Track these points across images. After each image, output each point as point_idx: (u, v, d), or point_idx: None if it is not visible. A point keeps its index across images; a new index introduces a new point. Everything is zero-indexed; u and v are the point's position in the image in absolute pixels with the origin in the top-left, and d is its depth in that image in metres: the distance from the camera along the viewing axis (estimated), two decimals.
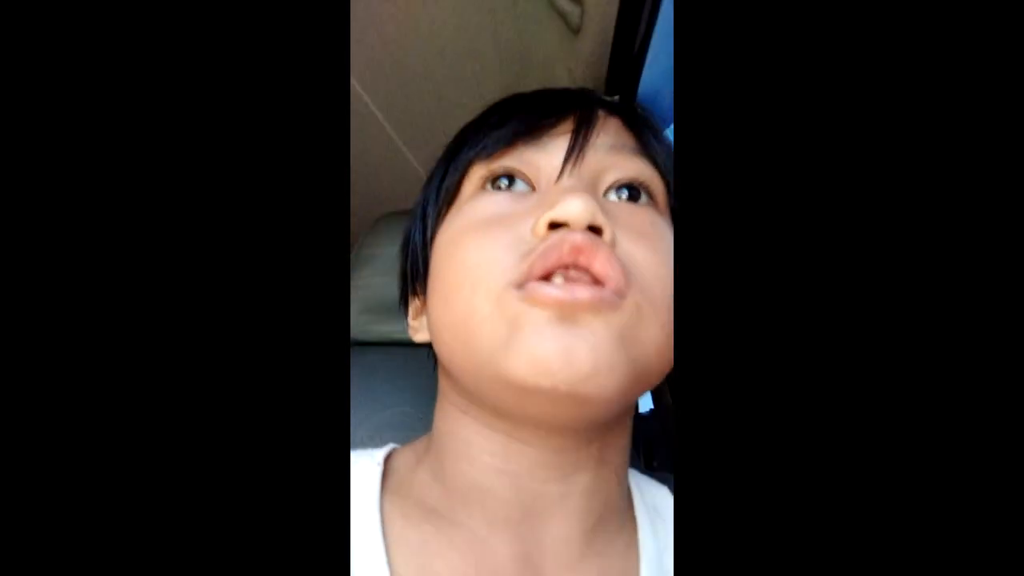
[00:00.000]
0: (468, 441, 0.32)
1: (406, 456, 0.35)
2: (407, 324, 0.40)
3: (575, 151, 0.32)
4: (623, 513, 0.35)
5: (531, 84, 0.45)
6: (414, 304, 0.39)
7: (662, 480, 0.40)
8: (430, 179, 0.38)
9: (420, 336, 0.37)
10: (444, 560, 0.30)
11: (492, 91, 0.39)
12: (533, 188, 0.33)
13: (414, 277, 0.38)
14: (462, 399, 0.32)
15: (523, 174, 0.33)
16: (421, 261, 0.36)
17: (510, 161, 0.33)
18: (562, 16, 0.48)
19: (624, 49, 0.53)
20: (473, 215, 0.32)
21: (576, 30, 0.49)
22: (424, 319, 0.37)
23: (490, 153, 0.33)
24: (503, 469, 0.31)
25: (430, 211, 0.36)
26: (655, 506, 0.37)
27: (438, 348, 0.33)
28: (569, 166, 0.32)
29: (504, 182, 0.33)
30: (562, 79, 0.56)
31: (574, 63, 0.52)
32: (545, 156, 0.33)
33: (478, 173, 0.34)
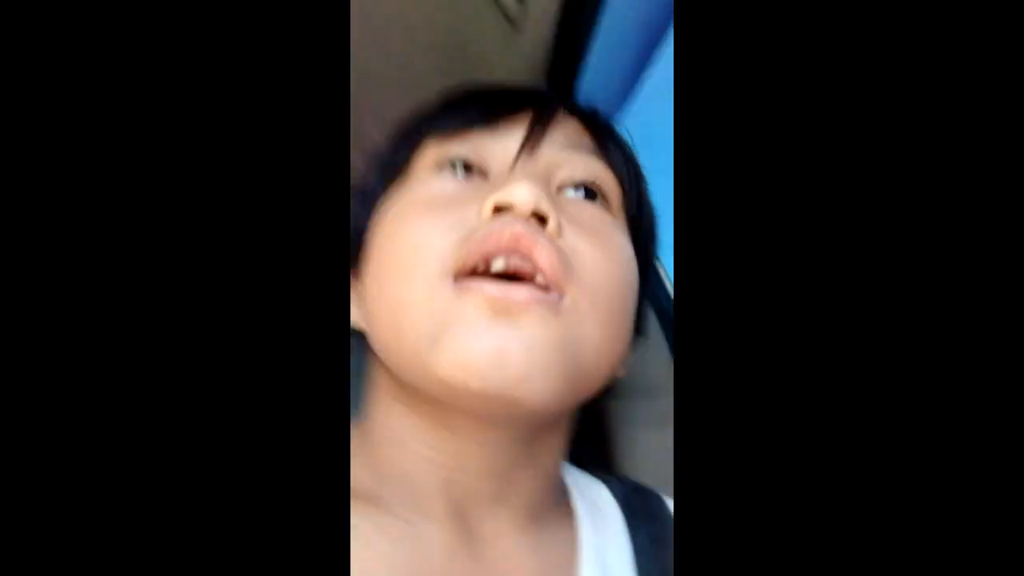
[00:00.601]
0: (401, 430, 0.31)
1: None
2: None
3: (529, 141, 0.32)
4: (559, 508, 0.35)
5: (468, 73, 0.44)
6: (355, 283, 0.36)
7: (597, 477, 0.40)
8: (377, 154, 0.36)
9: (356, 321, 0.34)
10: (373, 548, 0.28)
11: (425, 74, 0.38)
12: (485, 177, 0.32)
13: (356, 249, 0.35)
14: (395, 387, 0.31)
15: (476, 162, 0.32)
16: (356, 237, 0.34)
17: (464, 147, 0.32)
18: (501, 9, 0.46)
19: (565, 46, 0.51)
20: (420, 193, 0.31)
21: (515, 23, 0.47)
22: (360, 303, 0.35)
23: (445, 135, 0.33)
24: (435, 461, 0.31)
25: (374, 185, 0.35)
26: (593, 501, 0.36)
27: (370, 333, 0.32)
28: (523, 156, 0.32)
29: (458, 168, 0.32)
30: (500, 72, 0.54)
31: (512, 58, 0.51)
32: (500, 145, 0.32)
33: (431, 155, 0.33)
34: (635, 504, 0.37)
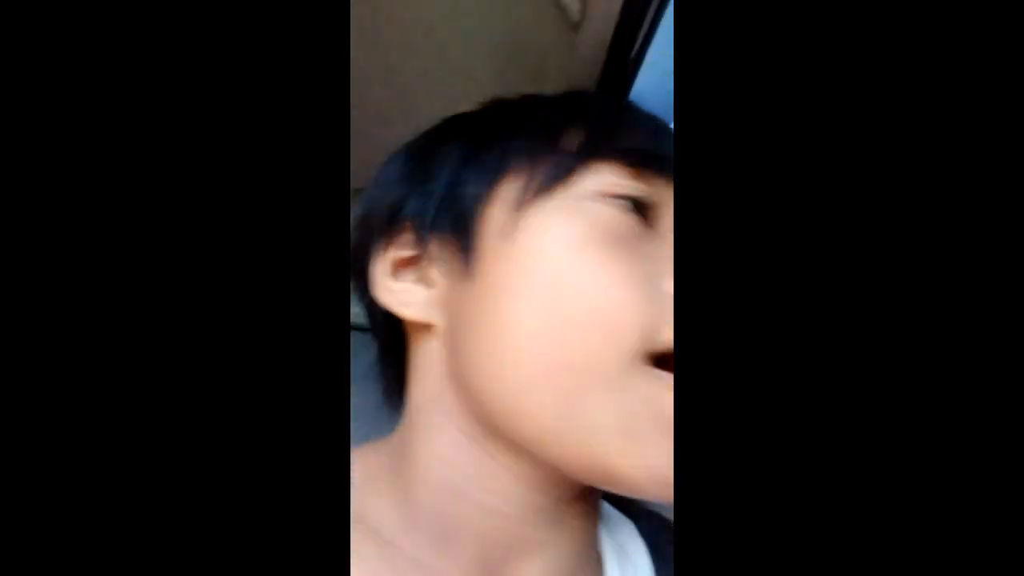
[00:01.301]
0: (465, 474, 0.28)
1: (359, 468, 0.30)
2: (368, 281, 0.32)
3: None
4: (593, 552, 0.33)
5: (522, 76, 0.43)
6: (394, 255, 0.31)
7: (626, 513, 0.37)
8: (511, 133, 0.30)
9: (411, 311, 0.30)
10: None
11: (481, 76, 0.36)
12: (652, 223, 0.29)
13: (433, 226, 0.30)
14: (477, 427, 0.28)
15: (650, 205, 0.28)
16: (467, 219, 0.29)
17: (644, 188, 0.28)
18: (561, 9, 0.45)
19: (622, 50, 0.50)
20: (599, 231, 0.26)
21: (575, 26, 0.46)
22: (422, 288, 0.30)
23: (629, 166, 0.28)
24: (495, 510, 0.28)
25: (508, 169, 0.29)
26: (622, 544, 0.34)
27: (482, 364, 0.27)
28: None
29: (630, 207, 0.28)
30: (553, 73, 0.53)
31: (569, 59, 0.50)
32: (667, 199, 0.29)
33: (607, 181, 0.28)
34: (662, 544, 0.35)
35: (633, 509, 0.37)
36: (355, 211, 0.34)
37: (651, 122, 0.32)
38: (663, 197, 0.28)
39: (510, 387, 0.26)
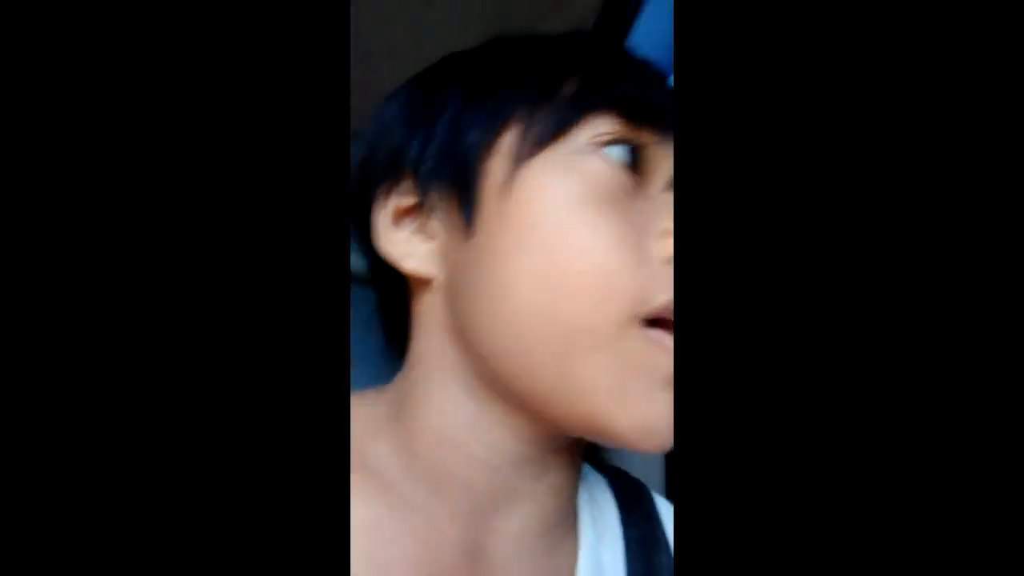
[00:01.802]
0: (462, 426, 0.29)
1: (361, 414, 0.31)
2: (369, 229, 0.31)
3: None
4: (571, 503, 0.34)
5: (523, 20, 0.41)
6: (395, 203, 0.30)
7: (597, 468, 0.39)
8: (510, 80, 0.29)
9: (412, 263, 0.30)
10: (396, 546, 0.28)
11: (466, 41, 0.36)
12: (645, 179, 0.28)
13: (433, 175, 0.29)
14: (476, 381, 0.29)
15: (645, 159, 0.28)
16: (467, 171, 0.28)
17: (643, 140, 0.28)
18: None
19: (614, 13, 0.49)
20: (593, 188, 0.26)
21: None
22: (422, 239, 0.30)
23: (628, 117, 0.27)
24: (488, 461, 0.29)
25: (507, 117, 0.28)
26: (593, 496, 0.36)
27: (481, 323, 0.27)
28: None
29: (627, 155, 0.27)
30: (553, 18, 0.52)
31: (558, 25, 0.49)
32: (665, 152, 0.28)
33: (604, 129, 0.27)
34: (629, 500, 0.36)
35: (603, 465, 0.39)
36: (355, 152, 0.32)
37: (646, 70, 0.31)
38: (656, 149, 0.28)
39: (508, 346, 0.27)
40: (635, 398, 0.25)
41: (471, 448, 0.29)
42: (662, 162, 0.28)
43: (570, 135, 0.27)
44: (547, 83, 0.28)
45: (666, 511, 0.37)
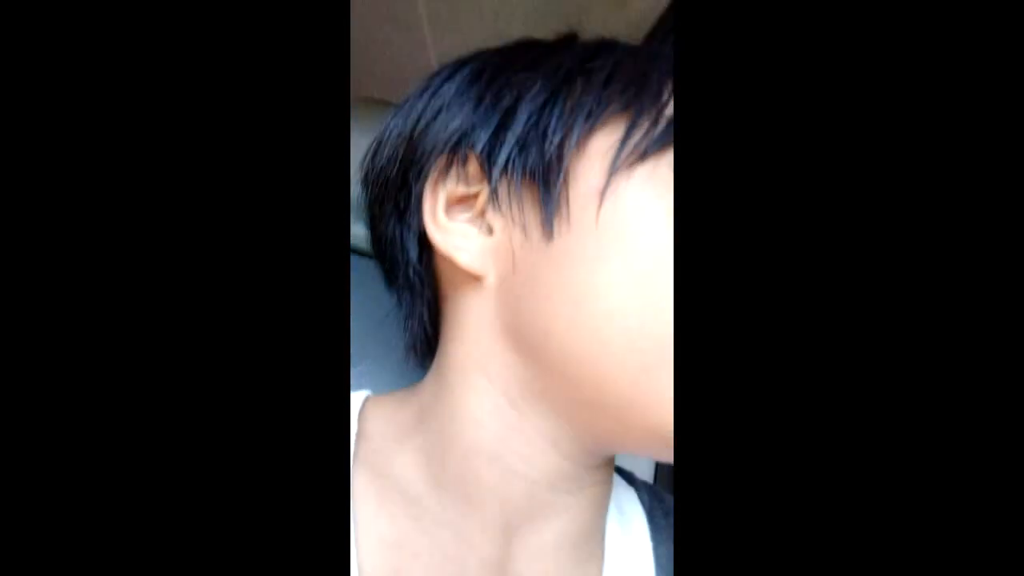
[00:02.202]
0: (500, 438, 0.28)
1: (384, 420, 0.30)
2: (423, 218, 0.28)
3: None
4: (603, 516, 0.33)
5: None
6: (452, 189, 0.29)
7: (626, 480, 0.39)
8: (603, 81, 0.28)
9: (466, 257, 0.28)
10: (420, 562, 0.26)
11: (514, 22, 0.32)
12: None
13: (506, 167, 0.27)
14: (522, 390, 0.28)
15: None
16: (552, 169, 0.27)
17: None
18: None
19: (668, 26, 0.46)
20: None
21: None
22: (479, 233, 0.28)
23: None
24: (525, 475, 0.28)
25: (600, 120, 0.27)
26: (622, 508, 0.35)
27: (555, 327, 0.26)
28: None
29: None
30: (593, 33, 0.49)
31: (615, 20, 0.45)
32: None
33: None
34: (657, 514, 0.36)
35: (632, 479, 0.38)
36: (390, 123, 0.31)
37: None
38: None
39: (588, 353, 0.26)
40: None
41: (506, 460, 0.28)
42: None
43: (668, 151, 0.26)
44: (650, 92, 0.27)
45: None
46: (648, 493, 0.38)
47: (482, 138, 0.28)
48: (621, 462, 0.45)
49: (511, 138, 0.27)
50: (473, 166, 0.28)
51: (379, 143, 0.31)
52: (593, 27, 0.51)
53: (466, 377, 0.29)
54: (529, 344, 0.27)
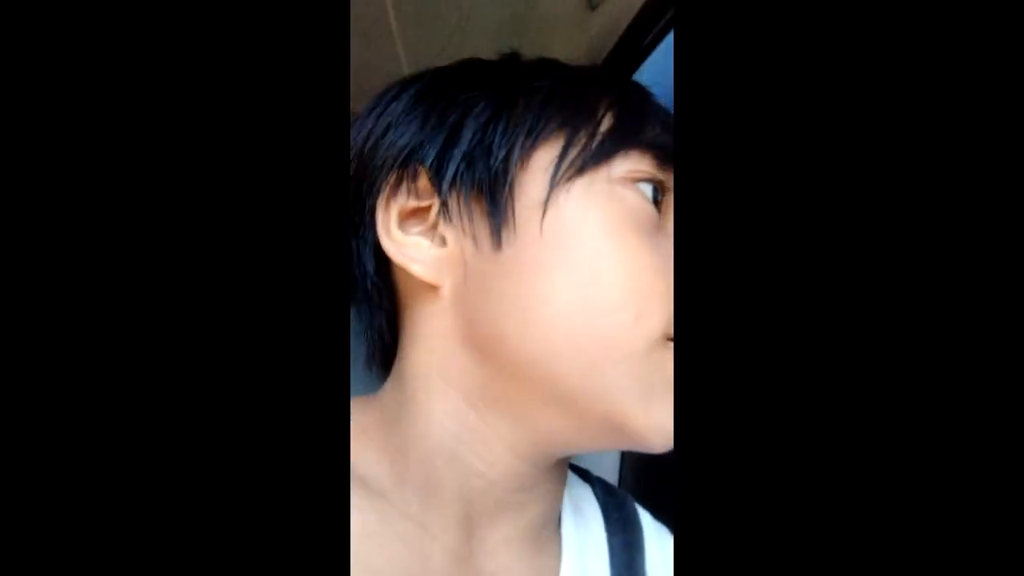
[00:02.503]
0: (460, 438, 0.29)
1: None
2: (377, 232, 0.29)
3: None
4: (557, 511, 0.35)
5: (528, 46, 0.39)
6: (403, 203, 0.29)
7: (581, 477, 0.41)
8: (546, 99, 0.29)
9: (420, 268, 0.29)
10: (386, 553, 0.27)
11: (482, 50, 0.34)
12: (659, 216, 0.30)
13: (454, 181, 0.28)
14: (481, 393, 0.29)
15: (666, 201, 0.30)
16: (498, 182, 0.28)
17: (667, 179, 0.30)
18: None
19: (636, 37, 0.47)
20: (638, 220, 0.28)
21: (595, 6, 0.42)
22: (431, 245, 0.29)
23: (659, 155, 0.29)
24: (483, 474, 0.29)
25: (542, 136, 0.28)
26: (578, 504, 0.37)
27: (508, 332, 0.27)
28: None
29: (652, 193, 0.29)
30: (558, 48, 0.49)
31: (579, 36, 0.46)
32: (670, 195, 0.31)
33: (637, 166, 0.29)
34: (610, 507, 0.38)
35: (587, 476, 0.40)
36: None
37: (667, 114, 0.32)
38: (672, 191, 0.30)
39: (539, 356, 0.27)
40: (656, 403, 0.27)
41: (466, 460, 0.29)
42: (669, 199, 0.31)
43: (609, 165, 0.28)
44: (586, 111, 0.29)
45: (646, 520, 0.39)
46: (601, 488, 0.40)
47: (431, 154, 0.29)
48: (587, 462, 0.46)
49: (458, 154, 0.28)
50: (423, 181, 0.29)
51: None
52: (557, 45, 0.52)
53: (427, 382, 0.30)
54: (485, 349, 0.28)
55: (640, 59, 0.51)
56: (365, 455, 0.29)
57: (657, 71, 0.59)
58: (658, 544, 0.37)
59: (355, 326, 0.34)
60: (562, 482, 0.34)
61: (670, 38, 0.52)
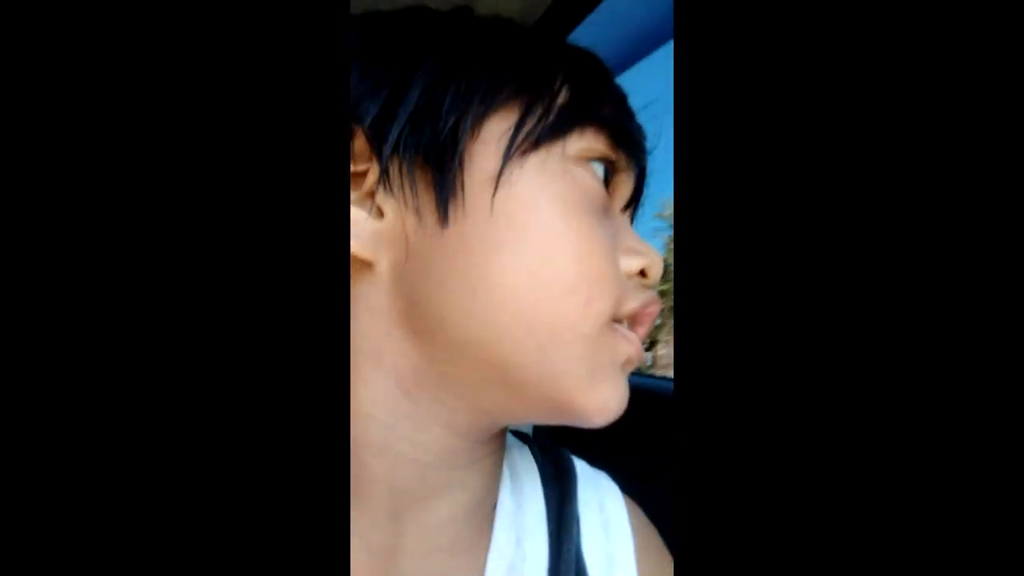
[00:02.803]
0: (389, 426, 0.28)
1: None
2: None
3: (636, 200, 0.31)
4: (495, 480, 0.34)
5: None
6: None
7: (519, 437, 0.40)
8: (499, 65, 0.27)
9: (356, 244, 0.27)
10: None
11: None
12: (611, 196, 0.30)
13: (397, 147, 0.26)
14: (416, 376, 0.28)
15: (614, 176, 0.29)
16: (447, 152, 0.26)
17: (617, 159, 0.29)
18: None
19: (568, 8, 0.45)
20: (584, 201, 0.27)
21: None
22: (369, 218, 0.27)
23: (613, 133, 0.28)
24: (417, 460, 0.28)
25: (495, 105, 0.27)
26: (515, 466, 0.36)
27: (451, 313, 0.26)
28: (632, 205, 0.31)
29: (603, 173, 0.28)
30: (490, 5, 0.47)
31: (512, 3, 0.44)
32: (626, 176, 0.30)
33: (594, 141, 0.28)
34: (547, 464, 0.38)
35: (525, 436, 0.40)
36: None
37: (621, 91, 0.31)
38: (622, 172, 0.30)
39: (485, 336, 0.26)
40: (603, 382, 0.27)
41: (396, 448, 0.28)
42: (623, 184, 0.30)
43: (564, 141, 0.27)
44: (543, 81, 0.27)
45: (581, 467, 0.39)
46: (539, 446, 0.39)
47: (371, 111, 0.26)
48: None
49: (403, 114, 0.26)
50: (360, 142, 0.26)
51: None
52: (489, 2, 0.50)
53: (356, 369, 0.28)
54: (424, 331, 0.27)
55: (575, 22, 0.50)
56: None
57: (593, 30, 0.57)
58: (594, 488, 0.37)
59: None
60: (501, 451, 0.33)
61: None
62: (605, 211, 0.28)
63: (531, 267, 0.26)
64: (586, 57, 0.30)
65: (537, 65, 0.28)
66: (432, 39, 0.28)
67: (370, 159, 0.26)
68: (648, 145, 0.32)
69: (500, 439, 0.32)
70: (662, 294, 0.32)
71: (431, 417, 0.28)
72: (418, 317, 0.27)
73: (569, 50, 0.30)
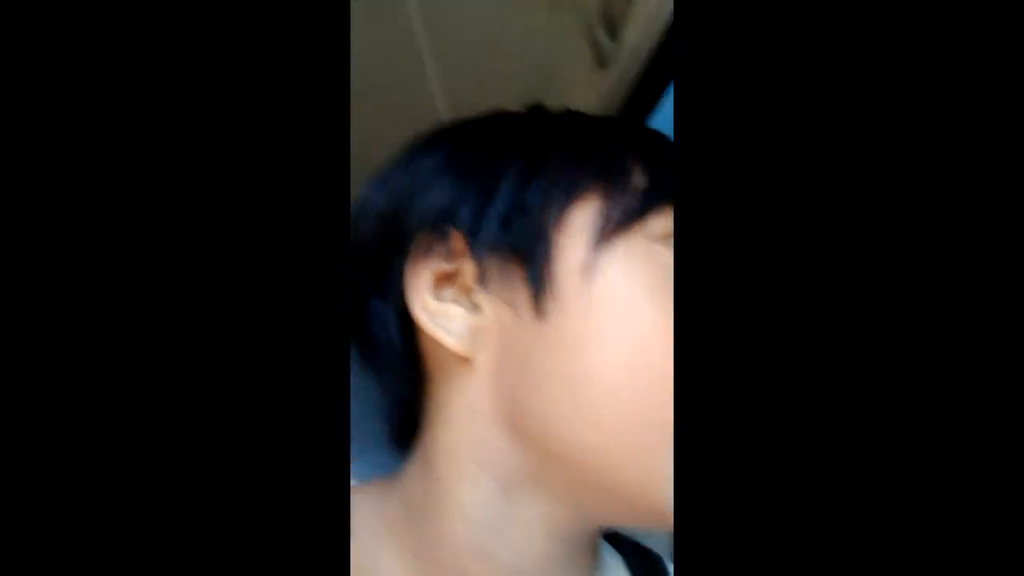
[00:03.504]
0: (490, 531, 0.27)
1: (370, 514, 0.28)
2: (406, 297, 0.28)
3: None
4: None
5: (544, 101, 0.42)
6: (436, 267, 0.28)
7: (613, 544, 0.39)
8: (580, 156, 0.28)
9: (453, 340, 0.27)
10: None
11: (502, 103, 0.35)
12: None
13: (494, 242, 0.27)
14: (518, 477, 0.27)
15: None
16: (537, 245, 0.26)
17: None
18: (595, 47, 0.45)
19: (643, 97, 0.50)
20: (670, 282, 0.26)
21: (604, 65, 0.46)
22: (465, 312, 0.28)
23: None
24: (514, 567, 0.27)
25: (578, 195, 0.27)
26: (603, 566, 0.36)
27: (553, 411, 0.25)
28: None
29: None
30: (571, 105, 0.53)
31: (592, 97, 0.50)
32: None
33: (670, 220, 0.27)
34: (638, 565, 0.36)
35: (618, 541, 0.38)
36: (367, 195, 0.31)
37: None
38: None
39: (587, 437, 0.25)
40: None
41: (499, 555, 0.27)
42: None
43: (645, 223, 0.27)
44: (620, 167, 0.28)
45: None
46: (632, 552, 0.37)
47: (465, 215, 0.27)
48: None
49: (493, 214, 0.27)
50: (457, 243, 0.27)
51: (357, 217, 0.31)
52: (570, 101, 0.56)
53: (457, 467, 0.27)
54: (526, 430, 0.26)
55: (648, 113, 0.55)
56: (388, 552, 0.28)
57: (665, 122, 0.63)
58: None
59: (367, 395, 0.33)
60: (595, 554, 0.32)
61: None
62: None
63: (628, 362, 0.25)
64: (657, 137, 0.31)
65: (610, 152, 0.29)
66: (513, 138, 0.30)
67: (466, 258, 0.27)
68: None
69: (595, 543, 0.31)
70: None
71: (530, 520, 0.27)
72: (519, 415, 0.26)
73: (640, 132, 0.31)
